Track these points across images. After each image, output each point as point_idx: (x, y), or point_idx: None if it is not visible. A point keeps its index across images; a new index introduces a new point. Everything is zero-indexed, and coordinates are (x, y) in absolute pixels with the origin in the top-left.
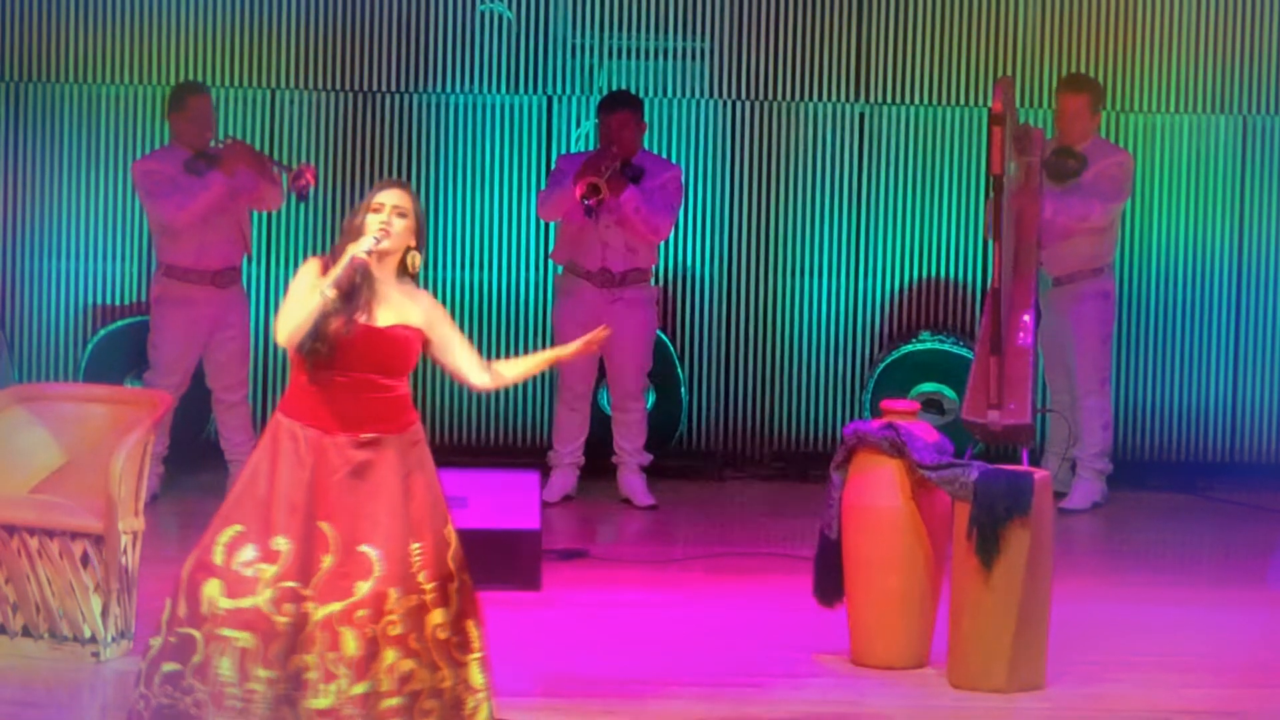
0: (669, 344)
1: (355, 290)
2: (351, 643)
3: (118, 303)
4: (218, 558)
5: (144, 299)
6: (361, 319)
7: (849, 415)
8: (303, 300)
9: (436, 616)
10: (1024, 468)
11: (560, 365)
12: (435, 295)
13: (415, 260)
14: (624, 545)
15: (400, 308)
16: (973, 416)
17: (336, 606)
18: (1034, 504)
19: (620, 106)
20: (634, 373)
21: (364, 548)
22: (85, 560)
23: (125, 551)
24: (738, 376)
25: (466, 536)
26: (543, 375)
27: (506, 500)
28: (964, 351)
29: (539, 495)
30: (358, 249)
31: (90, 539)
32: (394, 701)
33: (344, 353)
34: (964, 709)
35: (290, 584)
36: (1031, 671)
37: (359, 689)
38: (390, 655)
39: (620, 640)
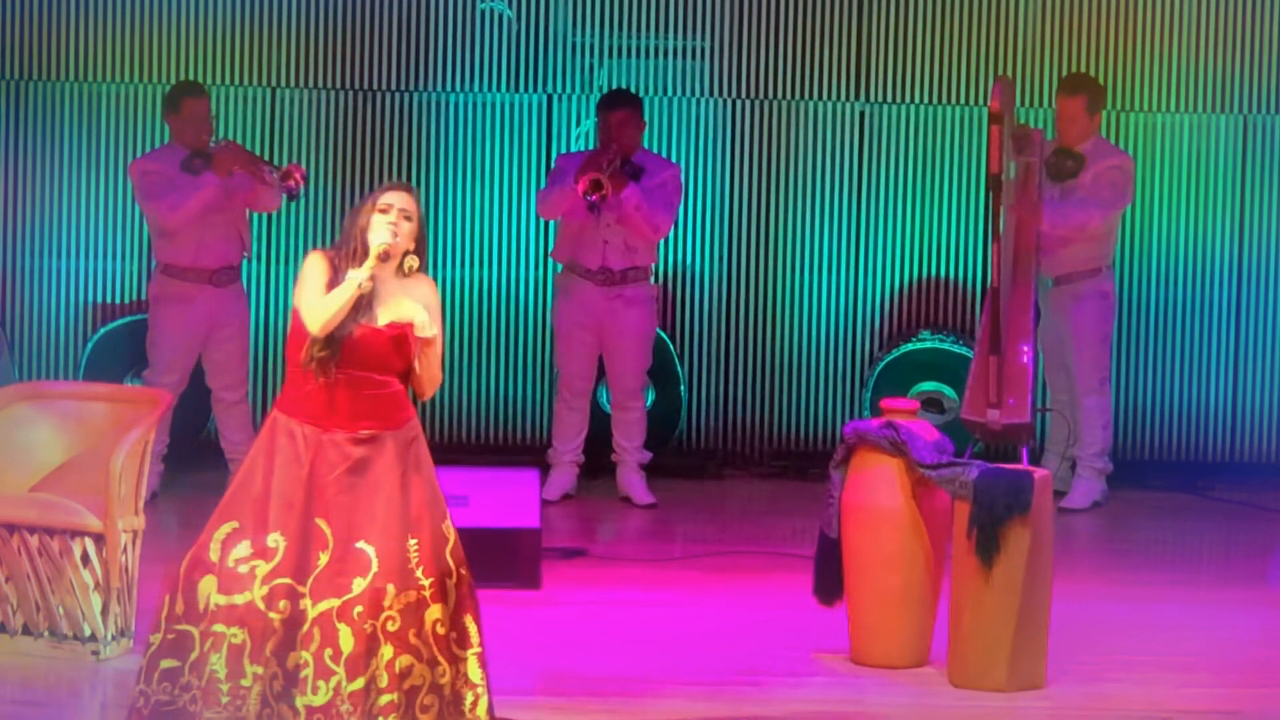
0: (668, 342)
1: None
2: (348, 639)
3: (118, 301)
4: (213, 554)
5: (144, 297)
6: (363, 319)
7: (849, 414)
8: (338, 292)
9: (435, 612)
10: (1024, 467)
11: (559, 360)
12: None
13: (413, 265)
14: (623, 543)
15: (398, 306)
16: (973, 415)
17: (333, 603)
18: (1034, 503)
19: (620, 105)
20: (633, 371)
21: (361, 544)
22: (85, 559)
23: (125, 550)
24: (737, 375)
25: (466, 535)
26: (542, 374)
27: (506, 498)
28: (964, 350)
29: (538, 493)
30: (378, 243)
31: (90, 537)
32: (390, 697)
33: (347, 352)
34: (964, 708)
35: (284, 580)
36: (1032, 670)
37: (355, 685)
38: (388, 651)
39: (620, 639)
